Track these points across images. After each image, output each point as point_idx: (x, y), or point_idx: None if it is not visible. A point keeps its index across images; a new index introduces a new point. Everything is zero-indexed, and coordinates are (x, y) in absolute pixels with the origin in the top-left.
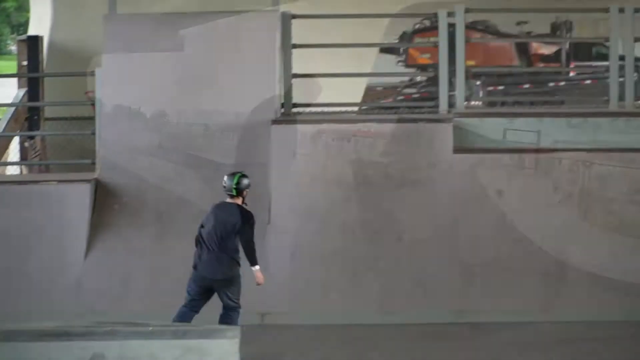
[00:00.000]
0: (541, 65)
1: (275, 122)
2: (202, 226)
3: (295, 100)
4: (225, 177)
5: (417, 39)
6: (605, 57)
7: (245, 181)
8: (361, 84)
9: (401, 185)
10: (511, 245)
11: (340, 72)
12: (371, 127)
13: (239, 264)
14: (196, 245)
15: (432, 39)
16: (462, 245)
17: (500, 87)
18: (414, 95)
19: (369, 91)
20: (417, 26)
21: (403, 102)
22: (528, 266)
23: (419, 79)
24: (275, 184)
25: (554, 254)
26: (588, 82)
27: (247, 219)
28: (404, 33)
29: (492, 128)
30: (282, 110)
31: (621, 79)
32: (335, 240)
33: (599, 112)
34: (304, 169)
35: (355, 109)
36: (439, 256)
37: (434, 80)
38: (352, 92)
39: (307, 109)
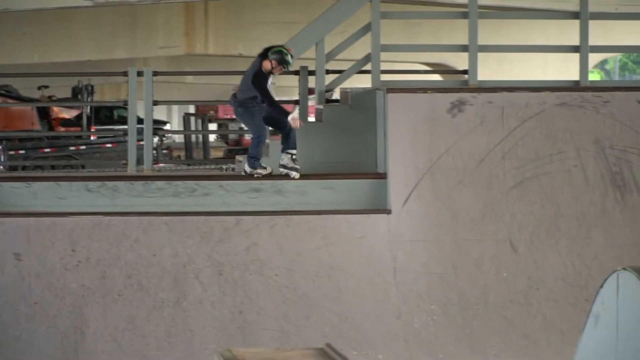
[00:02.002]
0: (62, 129)
1: None
2: None
3: None
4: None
5: None
6: (126, 121)
7: (287, 57)
8: None
9: None
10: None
11: None
12: None
13: (253, 105)
14: None
15: None
16: None
17: (22, 152)
18: None
19: None
20: None
21: None
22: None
23: None
24: None
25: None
26: (109, 145)
27: (258, 73)
28: None
29: (9, 192)
30: None
31: (141, 143)
32: None
33: (116, 176)
34: None
35: None
36: None
37: None
38: None
39: None
